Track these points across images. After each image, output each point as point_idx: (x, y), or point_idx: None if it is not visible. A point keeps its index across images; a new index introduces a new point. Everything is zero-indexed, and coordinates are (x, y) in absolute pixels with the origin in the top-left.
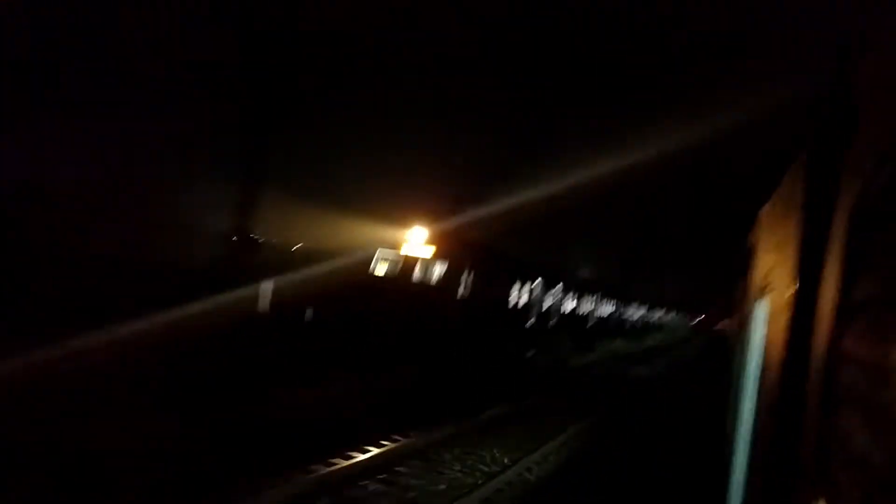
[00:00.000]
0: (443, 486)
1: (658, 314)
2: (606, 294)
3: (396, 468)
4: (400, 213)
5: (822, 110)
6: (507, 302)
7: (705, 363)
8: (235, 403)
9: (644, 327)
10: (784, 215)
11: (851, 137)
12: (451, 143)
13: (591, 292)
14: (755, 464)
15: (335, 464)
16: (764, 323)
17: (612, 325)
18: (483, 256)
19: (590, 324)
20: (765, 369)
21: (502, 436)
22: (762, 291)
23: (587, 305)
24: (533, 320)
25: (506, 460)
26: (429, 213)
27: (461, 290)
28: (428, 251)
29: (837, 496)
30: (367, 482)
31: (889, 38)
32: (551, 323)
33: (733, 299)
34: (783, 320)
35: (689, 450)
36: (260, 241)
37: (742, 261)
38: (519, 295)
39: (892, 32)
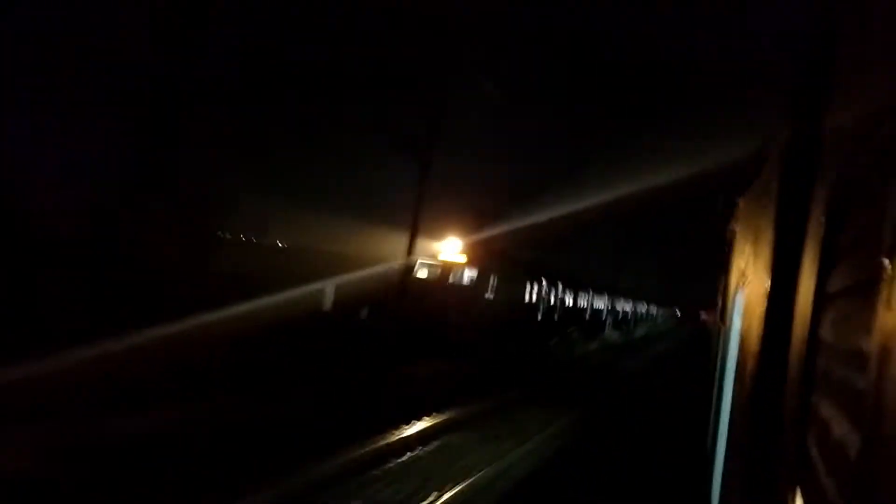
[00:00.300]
0: (533, 424)
1: (644, 307)
2: (600, 290)
3: (490, 416)
4: (434, 227)
5: (798, 103)
6: (524, 299)
7: (688, 351)
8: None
9: (633, 319)
10: (761, 207)
11: (825, 130)
12: (477, 170)
13: (588, 289)
14: (734, 452)
15: (454, 410)
16: (742, 313)
17: (605, 318)
18: (505, 262)
19: (588, 317)
20: (742, 359)
21: (545, 401)
22: (740, 282)
23: (585, 301)
24: (544, 314)
25: (555, 414)
26: (459, 226)
27: (489, 290)
28: (461, 258)
29: (814, 483)
30: (470, 425)
31: (861, 35)
32: (558, 316)
33: (714, 292)
34: (760, 311)
35: (674, 429)
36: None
37: (722, 253)
38: (532, 293)
39: (864, 25)
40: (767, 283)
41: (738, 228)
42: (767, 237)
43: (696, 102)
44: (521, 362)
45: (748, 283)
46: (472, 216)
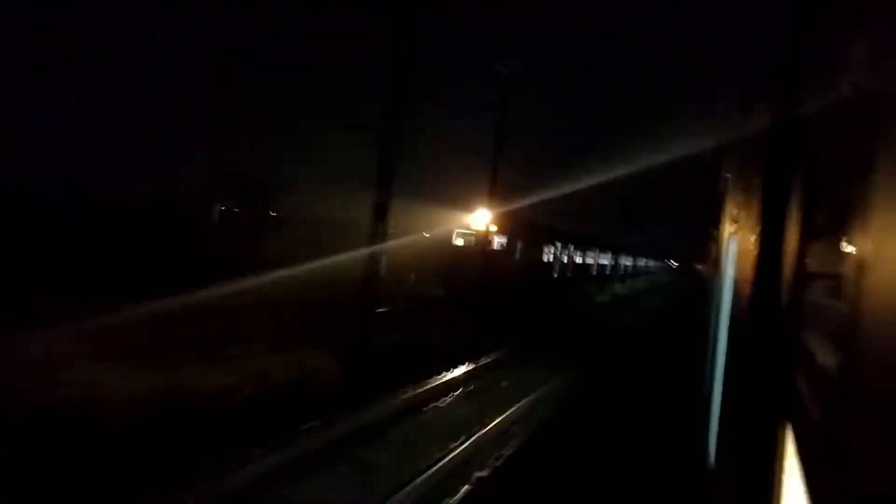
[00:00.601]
0: (563, 359)
1: (645, 262)
2: (606, 248)
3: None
4: (464, 200)
5: (783, 49)
6: (543, 260)
7: (685, 300)
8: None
9: (634, 272)
10: (750, 155)
11: (809, 77)
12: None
13: (596, 248)
14: (730, 391)
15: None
16: (735, 259)
17: (611, 273)
18: (527, 229)
19: (595, 272)
20: (736, 303)
21: (564, 343)
22: (733, 229)
23: (593, 259)
24: (559, 272)
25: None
26: (487, 199)
27: (517, 254)
28: (492, 228)
29: (802, 415)
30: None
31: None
32: (571, 273)
33: (708, 243)
34: (752, 254)
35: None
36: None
37: (714, 202)
38: (549, 254)
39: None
40: (758, 227)
41: (730, 176)
42: (757, 185)
43: (687, 60)
44: (545, 313)
45: (740, 229)
46: (498, 190)
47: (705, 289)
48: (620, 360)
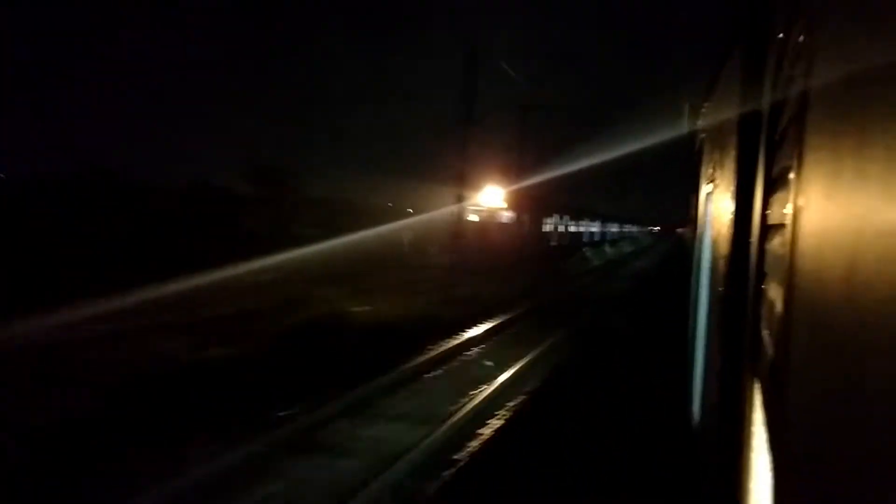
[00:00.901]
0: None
1: (632, 227)
2: (597, 218)
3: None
4: (475, 180)
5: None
6: (545, 230)
7: (668, 260)
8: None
9: (621, 237)
10: (724, 110)
11: (778, 28)
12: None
13: (589, 219)
14: (710, 351)
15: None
16: (713, 218)
17: (601, 240)
18: (532, 204)
19: (589, 240)
20: (715, 263)
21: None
22: (710, 190)
23: (587, 228)
24: (558, 241)
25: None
26: (496, 178)
27: (523, 226)
28: (502, 204)
29: (765, 368)
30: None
31: None
32: (569, 241)
33: (688, 205)
34: (729, 212)
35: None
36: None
37: (692, 161)
38: (551, 224)
39: None
40: (734, 184)
41: (706, 135)
42: (732, 143)
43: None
44: (548, 276)
45: (717, 187)
46: (504, 170)
47: (685, 249)
48: (616, 306)
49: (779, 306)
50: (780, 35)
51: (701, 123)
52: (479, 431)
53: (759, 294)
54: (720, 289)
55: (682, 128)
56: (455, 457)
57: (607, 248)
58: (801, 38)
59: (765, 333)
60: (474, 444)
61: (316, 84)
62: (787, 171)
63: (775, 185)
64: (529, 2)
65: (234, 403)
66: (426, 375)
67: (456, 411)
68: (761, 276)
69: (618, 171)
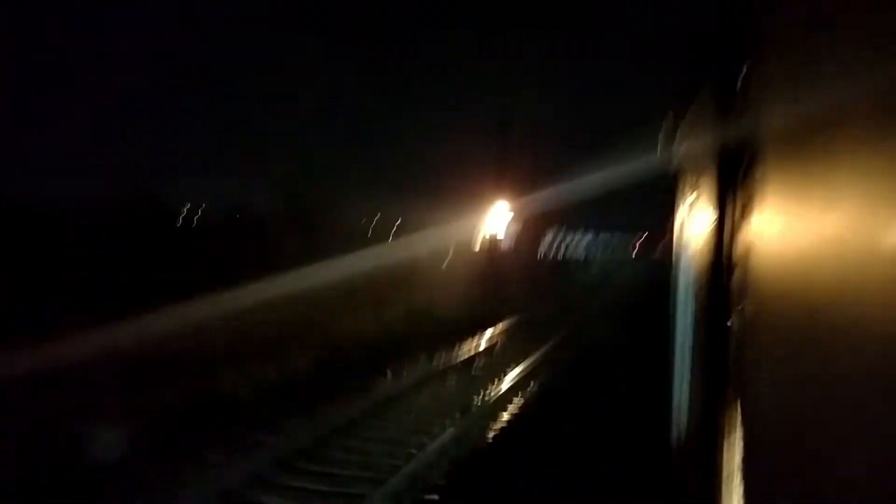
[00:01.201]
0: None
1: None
2: (585, 235)
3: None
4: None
5: (726, 29)
6: (539, 254)
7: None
8: None
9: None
10: (696, 136)
11: (751, 54)
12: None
13: (578, 236)
14: (692, 370)
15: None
16: (692, 237)
17: (589, 259)
18: (528, 230)
19: (577, 260)
20: (696, 280)
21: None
22: (689, 207)
23: (575, 248)
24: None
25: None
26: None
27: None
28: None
29: (747, 390)
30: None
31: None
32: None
33: (668, 226)
34: (702, 237)
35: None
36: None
37: (670, 182)
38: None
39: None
40: (714, 202)
41: (681, 159)
42: (704, 168)
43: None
44: (545, 295)
45: (696, 206)
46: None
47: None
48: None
49: (746, 329)
50: (745, 69)
51: (676, 147)
52: None
53: (733, 317)
54: (697, 311)
55: (660, 150)
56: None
57: (594, 268)
58: (756, 75)
59: (738, 355)
60: None
61: (351, 123)
62: (750, 200)
63: (743, 212)
64: (507, 37)
65: None
66: None
67: None
68: (734, 300)
69: (603, 190)
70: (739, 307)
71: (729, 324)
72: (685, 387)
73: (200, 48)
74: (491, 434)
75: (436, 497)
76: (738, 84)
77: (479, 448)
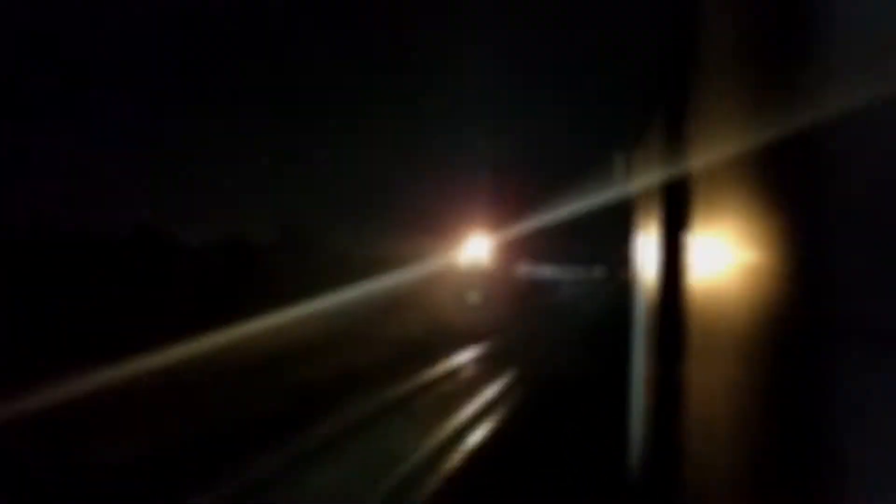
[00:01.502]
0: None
1: (582, 272)
2: (553, 264)
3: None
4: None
5: (674, 66)
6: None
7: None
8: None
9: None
10: (648, 168)
11: (698, 91)
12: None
13: (548, 264)
14: (647, 386)
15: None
16: (647, 261)
17: (558, 282)
18: (502, 254)
19: (547, 282)
20: (650, 302)
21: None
22: (644, 232)
23: (547, 273)
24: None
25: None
26: (479, 227)
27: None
28: (482, 255)
29: (686, 408)
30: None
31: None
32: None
33: (628, 252)
34: (653, 266)
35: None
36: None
37: (627, 209)
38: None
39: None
40: (662, 230)
41: (636, 189)
42: (655, 199)
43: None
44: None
45: (648, 231)
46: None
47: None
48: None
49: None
50: (685, 110)
51: (632, 177)
52: None
53: (682, 343)
54: (650, 336)
55: (616, 178)
56: None
57: (564, 287)
58: (693, 116)
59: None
60: None
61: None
62: (685, 228)
63: (679, 238)
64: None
65: None
66: None
67: None
68: (683, 327)
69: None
70: (683, 335)
71: (676, 341)
72: (639, 410)
73: (196, 79)
74: None
75: None
76: (680, 123)
77: None
